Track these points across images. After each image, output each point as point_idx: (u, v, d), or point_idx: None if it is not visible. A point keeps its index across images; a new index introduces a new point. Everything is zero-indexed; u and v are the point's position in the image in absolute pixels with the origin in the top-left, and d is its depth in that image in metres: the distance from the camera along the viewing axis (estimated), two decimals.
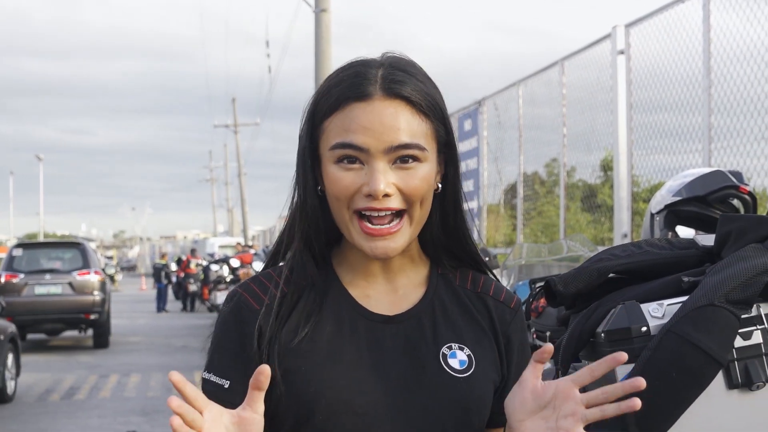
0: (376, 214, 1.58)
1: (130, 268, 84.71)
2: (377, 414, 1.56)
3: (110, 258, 51.24)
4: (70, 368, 15.37)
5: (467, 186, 15.20)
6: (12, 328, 12.61)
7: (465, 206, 1.74)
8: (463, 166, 15.33)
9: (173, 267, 34.35)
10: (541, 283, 2.24)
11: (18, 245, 19.81)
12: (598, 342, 2.01)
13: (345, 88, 1.60)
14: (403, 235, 1.61)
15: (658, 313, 1.96)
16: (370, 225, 1.59)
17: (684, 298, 1.95)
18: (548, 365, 3.67)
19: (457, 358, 1.63)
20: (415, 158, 1.58)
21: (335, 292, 1.67)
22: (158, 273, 33.29)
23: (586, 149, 11.43)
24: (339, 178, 1.59)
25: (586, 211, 11.66)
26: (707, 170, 3.54)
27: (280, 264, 1.73)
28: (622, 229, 9.47)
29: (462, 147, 15.42)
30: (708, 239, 2.18)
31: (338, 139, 1.58)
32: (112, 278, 34.04)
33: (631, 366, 1.92)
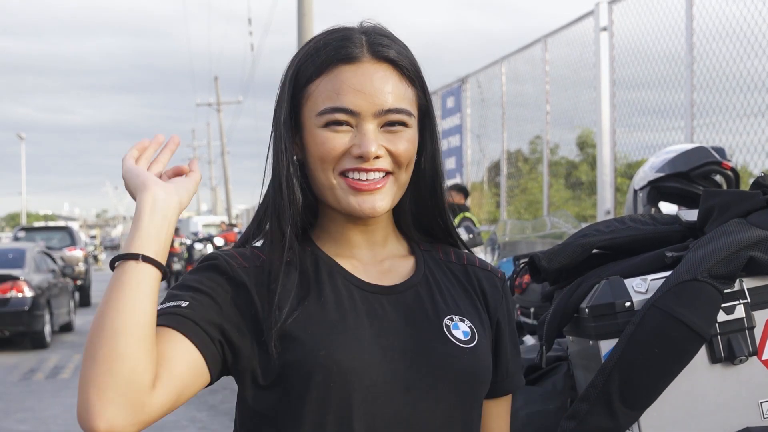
0: (365, 177, 1.57)
1: (113, 247, 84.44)
2: (386, 384, 1.52)
3: (93, 237, 51.03)
4: (54, 347, 15.34)
5: (449, 163, 15.20)
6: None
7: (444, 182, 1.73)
8: (446, 144, 15.43)
9: None
10: (526, 260, 2.24)
11: (21, 228, 27.27)
12: (582, 317, 2.02)
13: (332, 50, 1.59)
14: (389, 193, 1.60)
15: (641, 288, 1.97)
16: (358, 181, 1.57)
17: (667, 273, 1.96)
18: (532, 341, 3.69)
19: (461, 329, 1.62)
20: (403, 123, 1.59)
21: (325, 266, 1.63)
22: None
23: (569, 127, 11.45)
24: (328, 138, 1.57)
25: (569, 189, 11.70)
26: (690, 146, 3.55)
27: (258, 243, 1.67)
28: (605, 206, 9.51)
29: (445, 124, 15.42)
30: (691, 215, 2.18)
31: (328, 104, 1.57)
32: (95, 257, 34.37)
33: (615, 341, 1.93)
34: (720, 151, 3.50)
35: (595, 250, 2.18)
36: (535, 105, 12.09)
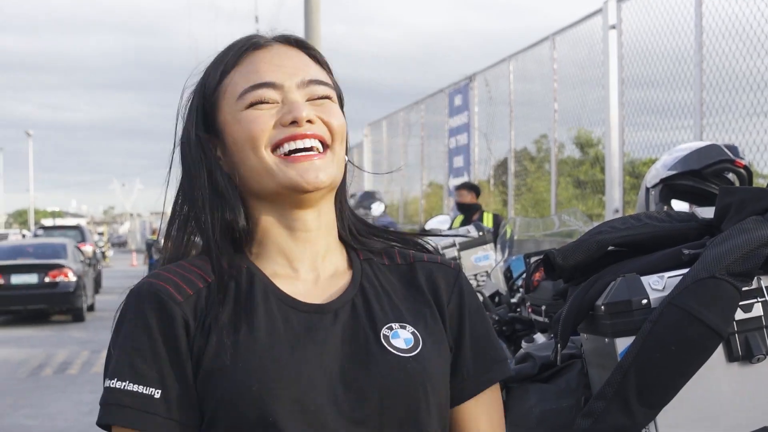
0: (302, 145, 1.48)
1: (120, 244, 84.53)
2: (330, 409, 1.41)
3: (101, 234, 51.16)
4: (62, 343, 15.35)
5: (457, 162, 15.19)
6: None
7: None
8: (454, 142, 15.42)
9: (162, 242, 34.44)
10: (537, 258, 2.24)
11: (40, 227, 34.66)
12: (598, 315, 2.01)
13: (238, 45, 1.55)
14: (328, 163, 1.50)
15: (658, 285, 1.95)
16: (295, 152, 1.48)
17: (684, 271, 1.94)
18: (543, 338, 3.68)
19: (401, 337, 1.48)
20: (328, 97, 1.54)
21: (261, 286, 1.49)
22: (149, 248, 33.30)
23: (577, 125, 11.43)
24: (254, 116, 1.48)
25: (576, 187, 11.69)
26: (702, 144, 3.54)
27: (189, 256, 1.55)
28: (614, 205, 9.49)
29: (452, 122, 15.41)
30: (708, 212, 2.17)
31: (249, 83, 1.50)
32: (103, 254, 35.45)
33: (631, 339, 1.92)
34: (733, 149, 3.48)
35: (610, 247, 2.16)
36: (542, 103, 12.07)
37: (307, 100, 1.51)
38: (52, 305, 18.80)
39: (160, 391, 1.39)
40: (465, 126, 14.86)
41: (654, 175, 3.58)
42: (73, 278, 18.57)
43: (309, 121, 1.48)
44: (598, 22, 9.97)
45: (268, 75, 1.50)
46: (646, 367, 1.85)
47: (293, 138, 1.48)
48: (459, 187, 11.49)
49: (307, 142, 1.48)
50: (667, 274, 1.97)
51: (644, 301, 1.93)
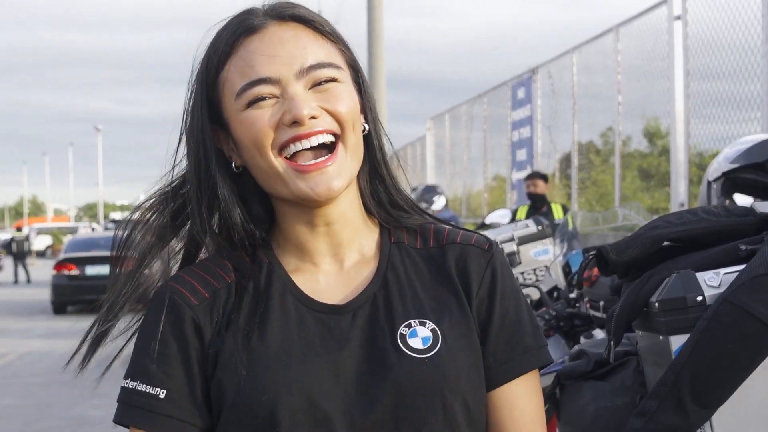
0: (308, 145, 1.39)
1: (182, 237, 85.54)
2: (342, 417, 1.37)
3: None
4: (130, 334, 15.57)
5: (520, 155, 15.10)
6: None
7: (389, 150, 1.53)
8: (516, 135, 15.33)
9: None
10: (593, 253, 2.20)
11: (111, 220, 37.69)
12: (652, 312, 1.97)
13: (232, 29, 1.43)
14: (341, 165, 1.40)
15: (714, 282, 1.91)
16: (303, 164, 1.39)
17: (741, 267, 1.90)
18: (602, 335, 3.63)
19: (419, 336, 1.41)
20: (333, 79, 1.42)
21: (279, 283, 1.45)
22: None
23: (641, 118, 11.29)
24: (253, 117, 1.39)
25: (643, 180, 11.54)
26: (766, 136, 3.45)
27: (208, 255, 1.52)
28: (679, 198, 9.35)
29: (515, 116, 15.32)
30: (766, 206, 2.12)
31: (244, 80, 1.40)
32: None
33: (686, 337, 1.88)
34: None
35: (666, 243, 2.12)
36: (606, 96, 11.93)
37: (310, 88, 1.40)
38: None
39: (165, 392, 1.41)
40: (528, 119, 14.76)
41: (716, 168, 3.51)
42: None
43: (313, 117, 1.39)
44: (663, 13, 9.82)
45: (262, 69, 1.39)
46: (701, 365, 1.82)
47: (298, 138, 1.39)
48: (532, 176, 10.95)
49: (314, 140, 1.39)
50: (723, 270, 1.93)
51: (699, 298, 1.89)
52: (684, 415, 1.83)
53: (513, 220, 8.60)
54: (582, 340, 3.63)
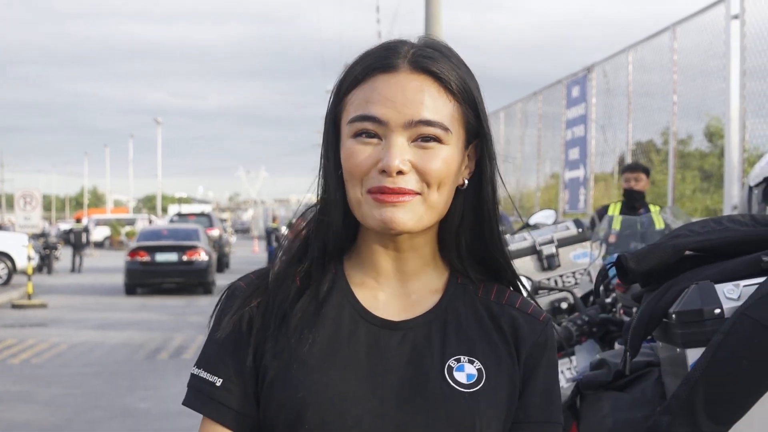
0: (388, 199, 1.46)
1: (244, 231, 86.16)
2: (370, 427, 1.44)
3: (224, 221, 52.42)
4: (179, 328, 15.73)
5: (573, 154, 14.94)
6: None
7: (499, 210, 1.58)
8: (570, 134, 15.18)
9: (284, 230, 34.96)
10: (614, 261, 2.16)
11: (176, 214, 41.19)
12: (670, 323, 1.92)
13: (371, 60, 1.51)
14: (414, 210, 1.47)
15: (733, 294, 1.85)
16: (380, 193, 1.46)
17: (762, 279, 1.84)
18: (618, 346, 3.57)
19: (465, 371, 1.48)
20: (437, 139, 1.47)
21: (339, 293, 1.54)
22: (269, 236, 33.88)
23: (697, 117, 11.11)
24: (355, 151, 1.48)
25: (703, 181, 11.36)
26: None
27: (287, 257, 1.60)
28: (732, 201, 9.18)
29: (569, 114, 15.17)
30: None
31: (358, 112, 1.48)
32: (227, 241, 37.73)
33: (702, 350, 1.82)
34: None
35: (688, 252, 2.06)
36: (661, 95, 11.75)
37: (413, 141, 1.46)
38: (188, 279, 23.05)
39: (221, 380, 1.52)
40: (582, 118, 14.60)
41: (757, 173, 3.44)
42: (205, 257, 23.06)
43: (400, 172, 1.45)
44: (721, 11, 9.65)
45: (376, 108, 1.46)
46: (716, 380, 1.76)
47: (382, 189, 1.45)
48: (633, 169, 9.07)
49: (393, 198, 1.46)
50: (743, 282, 1.87)
51: (717, 311, 1.84)
52: (697, 431, 1.78)
53: (603, 217, 7.89)
54: (616, 345, 3.57)
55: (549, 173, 17.79)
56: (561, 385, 4.33)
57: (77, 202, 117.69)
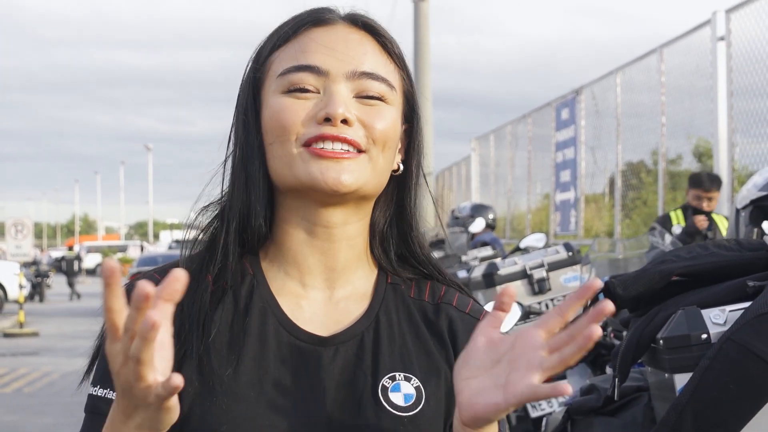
0: (330, 147, 1.29)
1: None
2: None
3: None
4: None
5: (564, 176, 14.99)
6: None
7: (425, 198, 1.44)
8: (560, 156, 15.22)
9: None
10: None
11: (174, 240, 41.03)
12: (658, 349, 1.93)
13: (301, 17, 1.36)
14: (360, 168, 1.30)
15: (719, 319, 1.87)
16: (323, 149, 1.29)
17: (748, 304, 1.85)
18: (609, 370, 3.58)
19: (401, 391, 1.31)
20: (382, 98, 1.33)
21: (260, 302, 1.34)
22: None
23: (686, 137, 11.18)
24: (286, 105, 1.30)
25: None
26: None
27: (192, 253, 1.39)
28: None
29: (559, 136, 15.23)
30: None
31: (291, 63, 1.31)
32: None
33: (689, 375, 1.84)
34: None
35: (675, 278, 2.08)
36: (650, 116, 11.82)
37: (355, 96, 1.32)
38: None
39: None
40: (572, 140, 14.65)
41: (744, 196, 3.45)
42: None
43: (345, 121, 1.29)
44: (707, 33, 9.72)
45: (314, 57, 1.31)
46: (703, 406, 1.77)
47: (322, 138, 1.28)
48: (708, 189, 7.34)
49: (337, 146, 1.29)
50: (729, 307, 1.89)
51: (704, 336, 1.85)
52: None
53: (665, 224, 7.14)
54: (608, 369, 3.58)
55: (540, 194, 17.82)
56: (552, 409, 4.36)
57: (68, 230, 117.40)
